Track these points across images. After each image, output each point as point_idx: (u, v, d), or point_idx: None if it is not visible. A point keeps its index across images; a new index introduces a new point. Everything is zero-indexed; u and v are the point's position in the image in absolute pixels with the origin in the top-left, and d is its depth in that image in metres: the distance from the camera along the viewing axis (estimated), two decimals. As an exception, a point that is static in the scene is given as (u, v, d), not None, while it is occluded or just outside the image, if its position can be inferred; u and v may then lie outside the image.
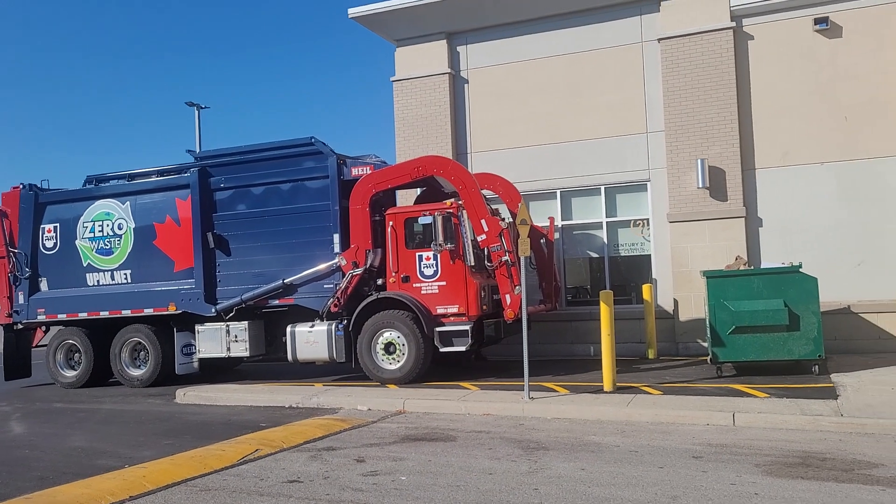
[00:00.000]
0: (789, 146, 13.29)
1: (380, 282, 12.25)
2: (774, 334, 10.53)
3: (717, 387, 10.09)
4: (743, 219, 13.38)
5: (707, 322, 10.91)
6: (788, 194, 13.29)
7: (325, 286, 12.35)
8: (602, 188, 14.54)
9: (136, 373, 13.71)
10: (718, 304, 10.72)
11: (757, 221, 13.45)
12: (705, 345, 11.44)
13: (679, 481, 6.17)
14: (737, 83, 13.48)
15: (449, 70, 15.56)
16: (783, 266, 10.90)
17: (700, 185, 13.39)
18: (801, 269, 10.59)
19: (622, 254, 14.62)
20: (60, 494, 6.45)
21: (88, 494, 6.40)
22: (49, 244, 14.24)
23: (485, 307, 11.86)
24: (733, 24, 13.51)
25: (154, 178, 13.98)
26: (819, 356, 10.50)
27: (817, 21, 13.08)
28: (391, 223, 12.17)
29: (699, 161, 13.37)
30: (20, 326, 14.66)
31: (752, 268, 11.83)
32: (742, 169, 13.43)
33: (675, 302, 13.78)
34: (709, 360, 11.07)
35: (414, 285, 11.88)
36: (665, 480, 6.21)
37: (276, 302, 12.76)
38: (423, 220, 11.94)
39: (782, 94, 13.39)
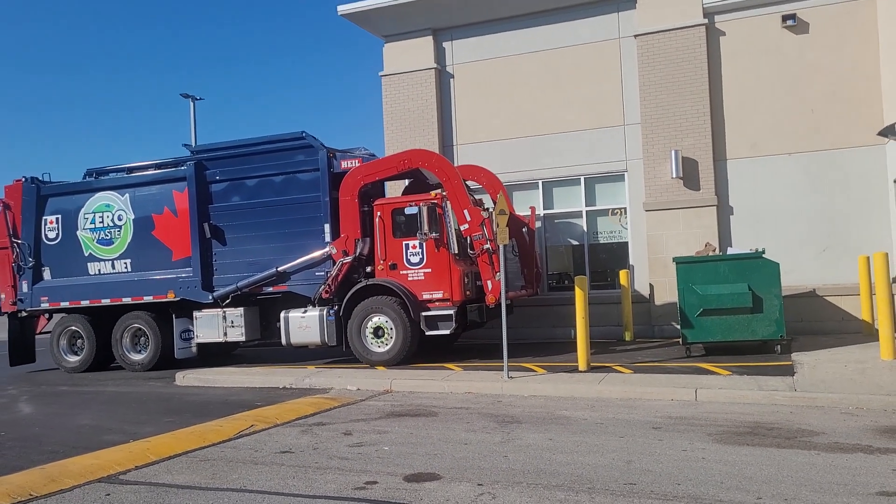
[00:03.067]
0: (758, 138, 13.92)
1: (368, 269, 12.84)
2: (739, 316, 11.17)
3: (685, 366, 10.74)
4: (715, 207, 14.02)
5: (678, 305, 11.55)
6: (757, 184, 13.94)
7: (316, 274, 12.93)
8: (582, 178, 15.15)
9: (136, 357, 14.31)
10: (687, 289, 11.36)
11: (728, 210, 14.10)
12: (679, 327, 12.08)
13: (636, 448, 6.79)
14: (709, 77, 14.09)
15: (435, 65, 16.10)
16: (747, 252, 11.55)
17: (674, 176, 14.01)
18: (763, 255, 11.23)
19: (601, 241, 15.26)
20: (72, 465, 7.04)
21: (98, 465, 7.00)
22: (51, 235, 14.80)
23: (468, 293, 12.48)
24: (706, 20, 14.10)
25: (152, 172, 14.49)
26: (781, 336, 11.15)
27: (785, 18, 13.67)
28: (379, 213, 12.75)
29: (673, 152, 14.00)
30: (24, 314, 15.24)
31: (720, 254, 12.47)
32: (714, 160, 14.06)
33: (651, 287, 14.44)
34: (680, 342, 11.72)
35: (401, 272, 12.49)
36: (623, 448, 6.83)
37: (270, 289, 13.34)
38: (409, 211, 12.52)
39: (752, 87, 14.00)
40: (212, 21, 67.78)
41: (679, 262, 11.57)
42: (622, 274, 14.09)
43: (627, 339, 14.00)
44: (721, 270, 11.24)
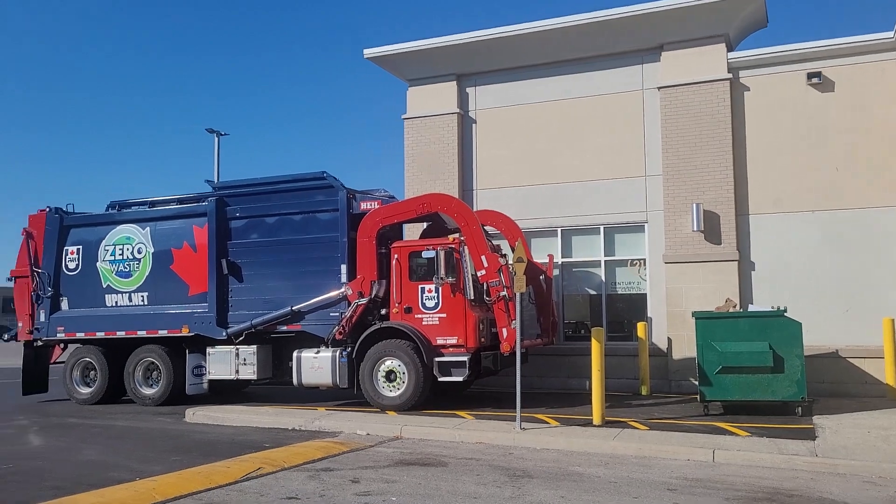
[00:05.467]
0: (781, 193, 13.81)
1: (383, 312, 12.76)
2: (759, 375, 10.93)
3: (703, 424, 10.48)
4: (736, 262, 13.86)
5: (696, 361, 11.35)
6: (780, 240, 13.78)
7: (331, 314, 12.87)
8: (601, 228, 15.07)
9: (148, 391, 14.25)
10: (706, 345, 11.17)
11: (749, 265, 13.92)
12: (696, 383, 11.84)
13: (650, 511, 6.60)
14: (732, 131, 14.06)
15: (458, 110, 16.23)
16: (769, 310, 11.35)
17: (695, 229, 13.90)
18: (785, 314, 11.03)
19: (619, 292, 15.10)
20: (75, 503, 6.96)
21: (101, 503, 6.91)
22: (71, 265, 14.91)
23: (483, 339, 12.32)
24: (730, 75, 14.12)
25: (174, 206, 14.63)
26: (802, 398, 10.88)
27: (811, 75, 13.67)
28: (396, 256, 12.72)
29: (694, 205, 13.91)
30: (40, 343, 15.28)
31: (741, 310, 12.27)
32: (736, 214, 13.95)
33: (669, 340, 14.22)
34: (698, 399, 11.48)
35: (416, 316, 12.40)
36: (637, 510, 6.64)
37: (284, 328, 13.29)
38: (426, 254, 12.47)
39: (776, 143, 13.94)
40: (240, 59, 69.31)
41: (698, 317, 11.40)
42: (640, 326, 13.90)
43: (644, 393, 13.74)
44: (741, 327, 11.05)
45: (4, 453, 9.65)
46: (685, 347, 13.86)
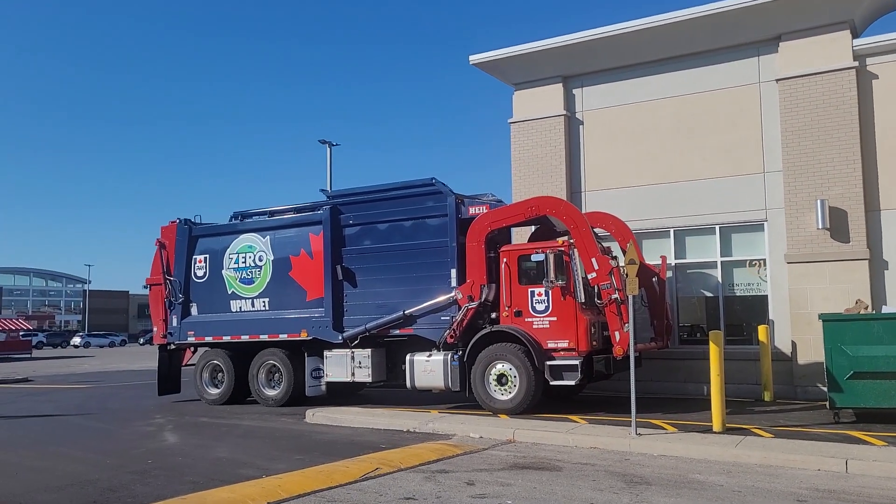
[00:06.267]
0: (917, 187, 12.88)
1: (493, 315, 12.81)
2: (896, 381, 10.26)
3: (833, 433, 9.94)
4: (866, 261, 13.03)
5: (825, 366, 10.77)
6: (916, 237, 12.84)
7: (442, 318, 13.04)
8: (717, 227, 14.54)
9: (270, 393, 14.92)
10: (835, 349, 10.59)
11: (882, 264, 13.06)
12: (825, 389, 11.23)
13: (778, 523, 6.33)
14: (860, 123, 13.24)
15: (564, 112, 16.10)
16: (906, 311, 10.62)
17: (820, 226, 13.19)
18: (925, 316, 10.29)
19: (738, 293, 14.52)
20: (210, 497, 7.40)
21: (233, 498, 7.31)
22: (200, 273, 15.84)
23: (595, 343, 12.17)
24: (856, 63, 13.31)
25: (291, 215, 15.27)
26: (946, 406, 10.12)
27: (948, 59, 12.70)
28: (505, 259, 12.76)
29: (819, 202, 13.20)
30: (173, 347, 16.30)
31: (873, 312, 11.53)
32: (865, 210, 13.13)
33: (794, 344, 13.54)
34: (827, 406, 10.89)
35: (526, 320, 12.39)
36: (764, 521, 6.38)
37: (397, 332, 13.57)
38: (535, 258, 12.44)
39: (909, 133, 13.02)
40: (350, 69, 71.60)
41: (826, 319, 10.81)
42: (761, 329, 13.30)
43: (766, 399, 13.14)
44: (875, 330, 10.39)
45: (147, 450, 10.37)
46: (811, 351, 13.15)
